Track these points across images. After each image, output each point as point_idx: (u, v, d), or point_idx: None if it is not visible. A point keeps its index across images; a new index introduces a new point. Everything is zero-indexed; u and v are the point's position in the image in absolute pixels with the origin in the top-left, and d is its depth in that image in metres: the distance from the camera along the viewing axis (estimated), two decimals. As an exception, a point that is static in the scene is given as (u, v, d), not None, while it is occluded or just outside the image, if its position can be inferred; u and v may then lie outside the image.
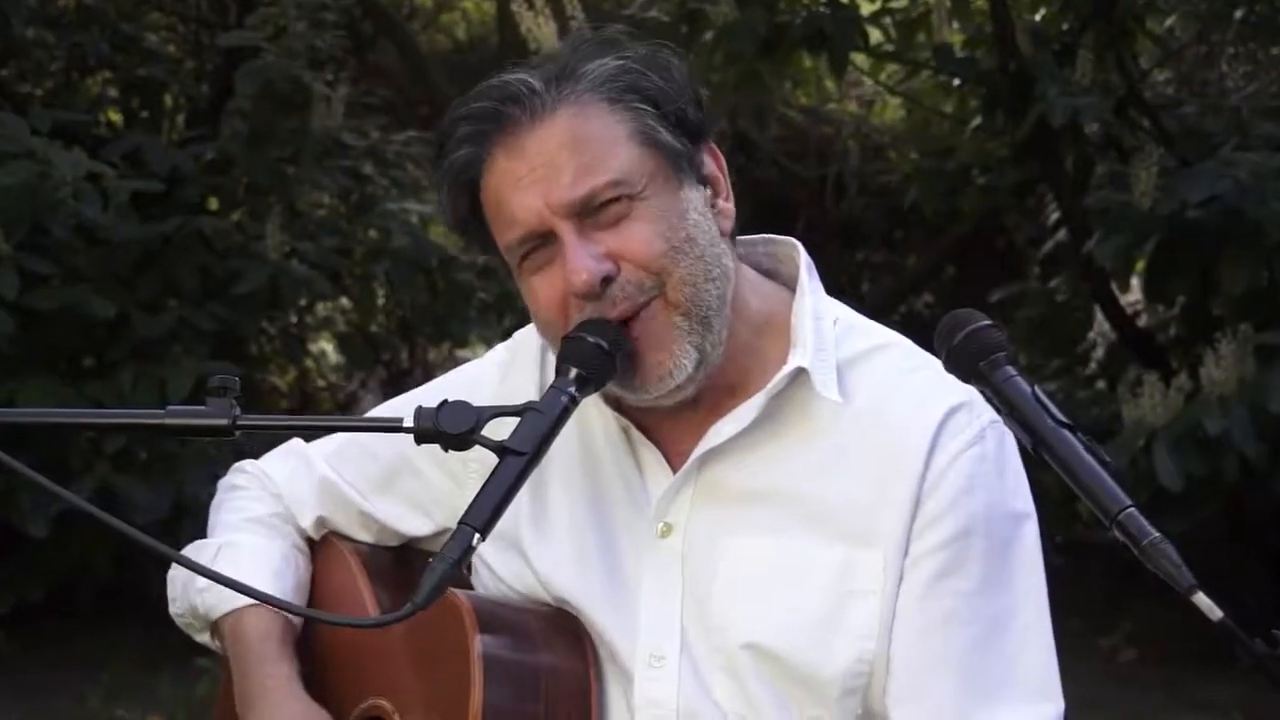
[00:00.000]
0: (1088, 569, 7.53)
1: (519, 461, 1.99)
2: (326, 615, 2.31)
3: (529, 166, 2.09)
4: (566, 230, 2.08)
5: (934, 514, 2.10)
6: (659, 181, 2.11)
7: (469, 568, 2.30)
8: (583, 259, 2.07)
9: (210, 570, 2.09)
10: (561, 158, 2.08)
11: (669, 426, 2.22)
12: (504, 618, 2.21)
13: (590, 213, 2.09)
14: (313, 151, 7.47)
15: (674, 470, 2.21)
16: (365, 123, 8.16)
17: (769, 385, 2.16)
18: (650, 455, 2.23)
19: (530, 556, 2.26)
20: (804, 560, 2.13)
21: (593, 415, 2.24)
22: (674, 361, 2.10)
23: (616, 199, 2.08)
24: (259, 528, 2.42)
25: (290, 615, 2.33)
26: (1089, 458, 1.90)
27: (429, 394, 2.27)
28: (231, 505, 2.46)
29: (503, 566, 2.28)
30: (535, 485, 2.09)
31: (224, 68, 8.10)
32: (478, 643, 2.13)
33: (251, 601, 2.24)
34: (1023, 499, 2.16)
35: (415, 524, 2.40)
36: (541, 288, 2.13)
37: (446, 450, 2.00)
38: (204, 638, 2.43)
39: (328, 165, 7.64)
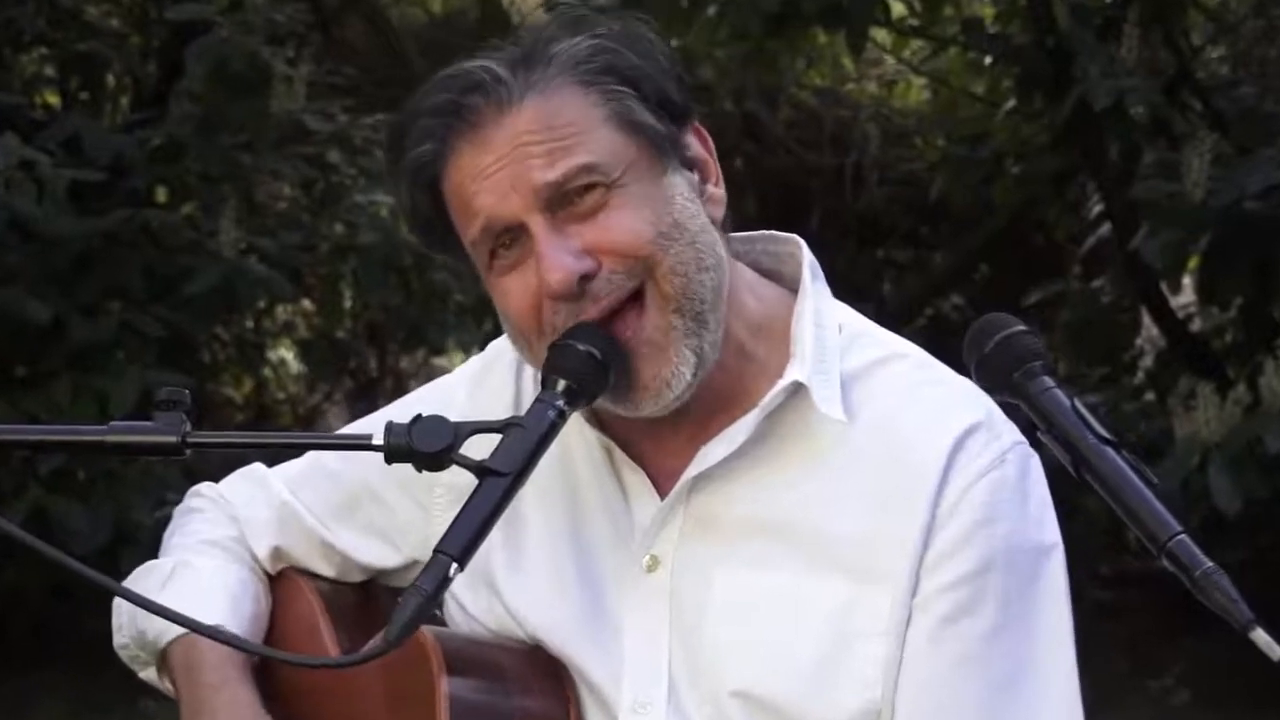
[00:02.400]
0: (1135, 603, 7.53)
1: (501, 483, 1.98)
2: (287, 655, 2.30)
3: (495, 157, 2.09)
4: (538, 224, 2.08)
5: (948, 547, 2.08)
6: (640, 168, 2.10)
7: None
8: (559, 256, 2.06)
9: (159, 605, 2.07)
10: (531, 144, 2.08)
11: (655, 444, 2.20)
12: (474, 657, 2.20)
13: (563, 203, 2.08)
14: (272, 137, 7.48)
15: (661, 495, 2.19)
16: (330, 105, 8.15)
17: (764, 401, 2.15)
18: (635, 478, 2.21)
19: (503, 590, 2.25)
20: (802, 598, 2.11)
21: (571, 433, 2.20)
22: (673, 370, 2.09)
23: (591, 186, 2.08)
24: (216, 550, 2.41)
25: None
26: (1135, 478, 1.90)
27: (399, 411, 2.26)
28: (187, 529, 2.46)
29: (472, 601, 2.28)
30: (508, 510, 2.09)
31: (173, 44, 8.10)
32: (445, 684, 2.12)
33: (206, 623, 2.23)
34: (1049, 530, 2.13)
35: (380, 555, 2.39)
36: (513, 288, 2.12)
37: (420, 470, 1.99)
38: (150, 674, 2.41)
39: (288, 152, 7.65)
